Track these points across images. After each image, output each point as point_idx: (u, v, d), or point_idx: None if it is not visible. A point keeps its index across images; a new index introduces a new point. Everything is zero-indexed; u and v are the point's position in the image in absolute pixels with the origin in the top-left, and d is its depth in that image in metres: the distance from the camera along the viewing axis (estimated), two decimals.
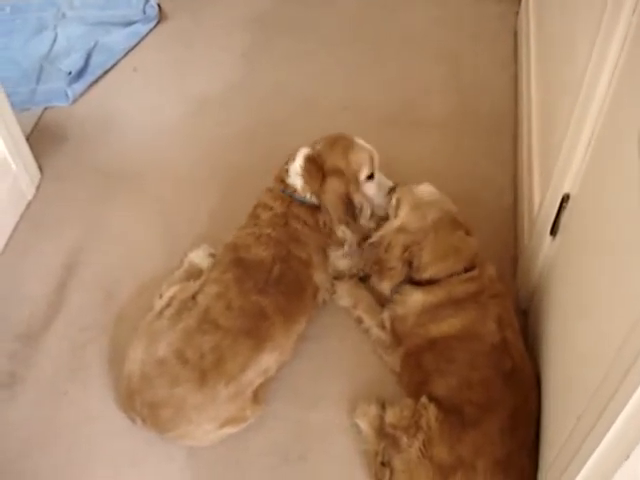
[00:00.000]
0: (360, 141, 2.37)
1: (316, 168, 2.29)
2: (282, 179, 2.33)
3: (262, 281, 2.13)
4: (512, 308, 2.11)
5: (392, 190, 2.35)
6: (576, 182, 1.86)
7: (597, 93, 1.70)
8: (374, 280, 2.25)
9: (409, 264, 2.13)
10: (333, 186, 2.28)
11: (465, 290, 2.07)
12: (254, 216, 2.31)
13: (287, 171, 2.32)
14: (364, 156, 2.34)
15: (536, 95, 2.62)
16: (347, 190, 2.29)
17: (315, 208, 2.31)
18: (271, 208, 2.29)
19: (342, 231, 2.37)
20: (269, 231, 2.23)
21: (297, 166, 2.30)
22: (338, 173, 2.29)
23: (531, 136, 2.53)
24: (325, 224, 2.31)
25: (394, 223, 2.20)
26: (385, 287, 2.21)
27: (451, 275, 2.09)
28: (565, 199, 1.92)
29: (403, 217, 2.19)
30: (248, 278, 2.13)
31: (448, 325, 2.03)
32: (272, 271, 2.15)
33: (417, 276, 2.14)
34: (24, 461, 2.12)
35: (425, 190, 2.24)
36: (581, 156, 1.81)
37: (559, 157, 1.96)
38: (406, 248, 2.13)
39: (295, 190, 2.30)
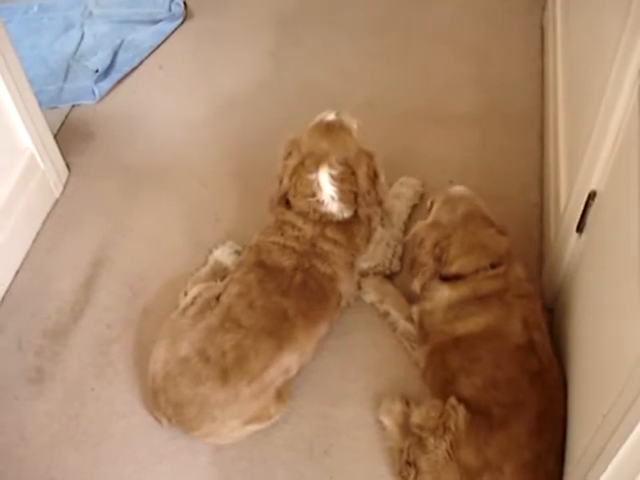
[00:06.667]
0: (336, 116, 2.26)
1: (349, 183, 2.20)
2: (314, 209, 2.21)
3: (285, 284, 2.12)
4: (540, 310, 2.08)
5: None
6: (603, 178, 1.84)
7: (624, 87, 1.68)
8: (408, 279, 2.24)
9: (439, 259, 2.12)
10: (363, 171, 2.20)
11: (490, 287, 2.05)
12: (279, 229, 2.24)
13: (318, 202, 2.20)
14: (353, 123, 2.27)
15: (563, 90, 2.59)
16: (369, 166, 2.21)
17: (348, 222, 2.26)
18: (300, 229, 2.22)
19: (379, 231, 2.37)
20: (294, 245, 2.20)
21: (332, 192, 2.19)
22: (358, 161, 2.20)
23: (558, 132, 2.50)
24: (362, 235, 2.29)
25: (427, 220, 2.21)
26: (416, 284, 2.19)
27: (477, 271, 2.08)
28: (592, 196, 1.90)
29: (434, 212, 2.20)
30: (270, 280, 2.13)
31: (473, 323, 2.02)
32: (294, 278, 2.14)
33: (445, 271, 2.12)
34: (52, 455, 2.15)
35: (457, 189, 2.24)
36: (608, 152, 1.79)
37: (586, 153, 1.94)
38: (437, 243, 2.12)
39: (333, 215, 2.23)
